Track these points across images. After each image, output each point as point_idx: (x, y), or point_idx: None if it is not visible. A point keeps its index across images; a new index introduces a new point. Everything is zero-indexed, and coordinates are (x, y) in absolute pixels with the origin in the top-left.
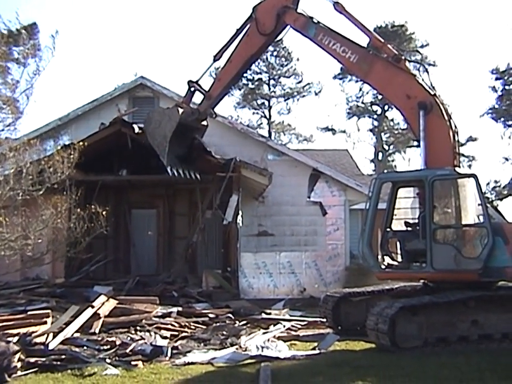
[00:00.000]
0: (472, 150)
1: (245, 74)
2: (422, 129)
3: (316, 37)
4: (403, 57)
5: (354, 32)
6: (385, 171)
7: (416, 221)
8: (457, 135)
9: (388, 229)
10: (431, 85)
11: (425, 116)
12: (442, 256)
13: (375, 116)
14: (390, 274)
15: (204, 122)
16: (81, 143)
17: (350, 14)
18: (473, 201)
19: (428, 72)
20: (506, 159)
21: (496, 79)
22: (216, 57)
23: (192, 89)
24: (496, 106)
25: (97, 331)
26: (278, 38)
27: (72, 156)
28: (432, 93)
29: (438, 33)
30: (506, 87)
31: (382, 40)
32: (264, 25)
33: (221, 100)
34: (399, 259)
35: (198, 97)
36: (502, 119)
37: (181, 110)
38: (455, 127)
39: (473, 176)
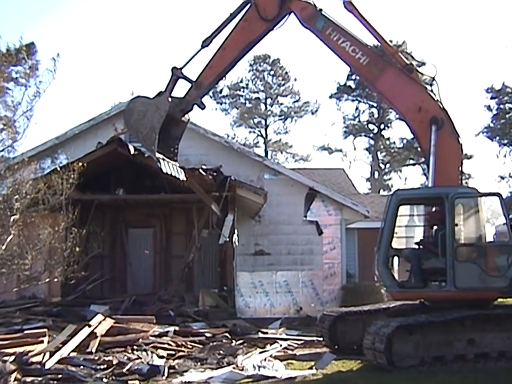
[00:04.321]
0: (468, 168)
1: (242, 93)
2: (433, 144)
3: (324, 32)
4: (415, 68)
5: (363, 36)
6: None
7: (428, 239)
8: (462, 153)
9: (392, 247)
10: (440, 100)
11: (436, 131)
12: (466, 275)
13: (371, 135)
14: (407, 294)
15: (186, 116)
16: (80, 165)
17: (361, 15)
18: (484, 220)
19: (438, 87)
20: (502, 178)
21: (491, 98)
22: (205, 44)
23: (176, 77)
24: (492, 125)
25: (94, 350)
26: (278, 26)
27: (71, 177)
28: (443, 108)
29: (433, 51)
30: (501, 106)
31: (394, 48)
32: (266, 11)
33: (211, 90)
34: (398, 277)
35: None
36: (497, 137)
37: (169, 99)
38: (461, 145)
39: (498, 194)
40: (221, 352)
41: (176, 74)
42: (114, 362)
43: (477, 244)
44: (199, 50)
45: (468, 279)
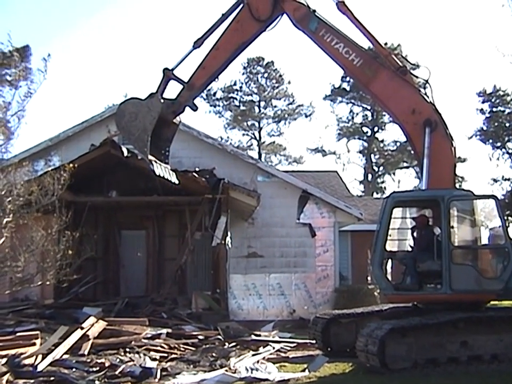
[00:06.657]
0: (462, 171)
1: (235, 96)
2: (426, 146)
3: (317, 33)
4: (409, 71)
5: (356, 38)
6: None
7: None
8: (456, 156)
9: (385, 250)
10: (433, 103)
11: (430, 134)
12: (461, 277)
13: (365, 137)
14: (403, 296)
15: (178, 119)
16: (71, 165)
17: (355, 16)
18: (479, 223)
19: (431, 90)
20: (495, 180)
21: (484, 101)
22: (197, 44)
23: (168, 78)
24: (484, 128)
25: (86, 353)
26: (271, 27)
27: (63, 178)
28: (436, 111)
29: (427, 55)
30: (494, 109)
31: (388, 50)
32: (258, 11)
33: (203, 91)
34: (392, 280)
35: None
36: (490, 140)
37: (162, 100)
38: (455, 148)
39: (494, 197)
40: (214, 354)
41: (168, 75)
42: (107, 364)
43: (472, 246)
44: (191, 51)
45: (464, 282)
